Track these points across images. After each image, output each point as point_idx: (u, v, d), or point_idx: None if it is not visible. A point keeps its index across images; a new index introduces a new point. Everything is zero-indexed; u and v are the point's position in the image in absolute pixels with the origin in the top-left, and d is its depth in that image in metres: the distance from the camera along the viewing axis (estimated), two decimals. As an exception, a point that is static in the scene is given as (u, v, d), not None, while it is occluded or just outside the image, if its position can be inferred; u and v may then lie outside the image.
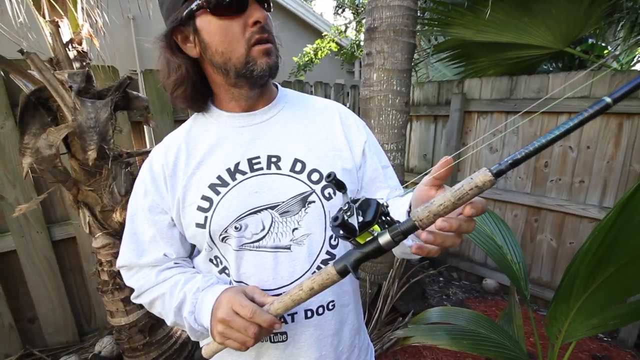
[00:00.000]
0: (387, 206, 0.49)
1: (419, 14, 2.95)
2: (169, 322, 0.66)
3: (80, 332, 1.97)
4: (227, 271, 0.67)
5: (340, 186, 0.50)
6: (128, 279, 0.71)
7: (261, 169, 0.65)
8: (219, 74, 0.63)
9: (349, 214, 0.47)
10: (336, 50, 4.18)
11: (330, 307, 0.68)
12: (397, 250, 0.68)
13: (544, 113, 2.47)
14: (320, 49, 4.01)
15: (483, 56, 2.75)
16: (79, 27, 1.36)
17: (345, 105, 2.77)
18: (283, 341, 0.66)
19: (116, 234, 1.46)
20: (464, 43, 2.67)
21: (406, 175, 3.33)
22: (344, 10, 4.00)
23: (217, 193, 0.63)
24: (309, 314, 0.66)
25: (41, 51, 1.35)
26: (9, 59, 1.25)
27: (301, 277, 0.65)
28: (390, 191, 0.75)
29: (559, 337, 0.92)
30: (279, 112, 0.71)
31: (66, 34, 1.31)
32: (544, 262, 2.52)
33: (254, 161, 0.66)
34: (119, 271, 1.46)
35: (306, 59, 4.07)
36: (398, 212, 0.63)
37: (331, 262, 0.51)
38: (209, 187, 0.64)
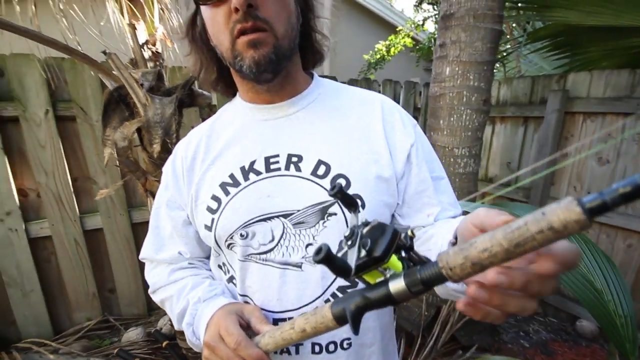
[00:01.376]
0: (412, 237, 0.35)
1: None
2: (176, 327, 0.63)
3: (149, 307, 2.19)
4: (234, 281, 0.60)
5: (349, 203, 0.38)
6: (147, 273, 0.70)
7: (278, 169, 0.57)
8: (227, 64, 0.56)
9: (349, 243, 0.35)
10: (411, 46, 3.90)
11: (345, 345, 0.56)
12: (439, 289, 0.53)
13: (685, 116, 1.89)
14: (394, 46, 3.78)
15: (594, 44, 2.23)
16: (154, 30, 1.47)
17: (417, 106, 2.52)
18: (285, 375, 0.56)
19: (175, 223, 1.55)
20: (568, 29, 2.20)
21: (484, 185, 2.92)
22: (421, 2, 3.71)
23: (227, 193, 0.57)
24: (317, 348, 0.55)
25: (126, 53, 1.50)
26: (98, 61, 1.42)
27: (311, 303, 0.54)
28: (442, 210, 0.59)
29: None
30: (308, 104, 0.61)
31: (142, 36, 1.42)
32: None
33: (271, 160, 0.58)
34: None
35: (378, 56, 3.89)
36: (440, 241, 0.48)
37: (330, 302, 0.40)
38: (220, 186, 0.58)
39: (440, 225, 0.55)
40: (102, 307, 2.05)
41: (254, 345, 0.46)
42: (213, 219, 0.57)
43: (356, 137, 0.59)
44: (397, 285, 0.32)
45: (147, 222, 2.14)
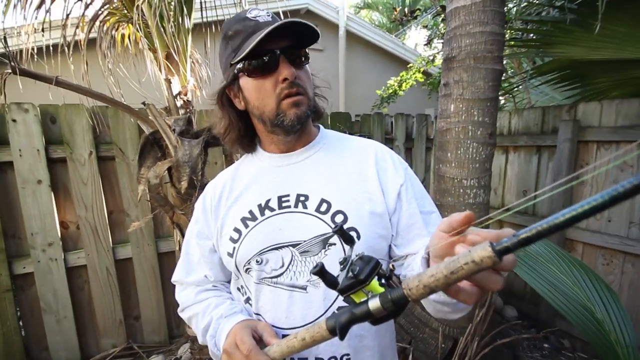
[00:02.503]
0: (391, 269, 0.45)
1: (514, 36, 2.69)
2: (200, 341, 0.72)
3: (170, 335, 2.27)
4: (250, 302, 0.69)
5: (347, 239, 0.48)
6: (177, 294, 0.80)
7: (289, 206, 0.68)
8: (259, 123, 0.70)
9: (341, 267, 0.44)
10: (422, 80, 4.08)
11: (345, 360, 0.63)
12: (429, 308, 0.60)
13: (701, 143, 1.87)
14: (405, 81, 3.97)
15: (601, 76, 2.29)
16: (186, 82, 1.68)
17: (430, 137, 2.69)
18: (291, 388, 0.63)
19: (198, 253, 1.67)
20: (574, 62, 2.28)
21: (501, 214, 2.90)
22: (431, 41, 3.92)
23: (246, 226, 0.68)
24: (320, 363, 0.62)
25: (160, 102, 1.71)
26: (136, 109, 1.63)
27: (315, 321, 0.62)
28: None
29: None
30: (314, 153, 0.73)
31: (176, 88, 1.63)
32: None
33: (283, 199, 0.68)
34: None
35: (390, 91, 4.08)
36: (417, 259, 0.56)
37: (326, 317, 0.48)
38: (241, 220, 0.69)
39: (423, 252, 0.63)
40: (126, 334, 2.14)
41: (263, 353, 0.55)
42: (234, 248, 0.68)
43: (353, 179, 0.69)
44: (374, 303, 0.41)
45: (173, 252, 2.29)
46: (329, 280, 0.43)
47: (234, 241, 0.68)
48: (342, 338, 0.43)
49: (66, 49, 1.61)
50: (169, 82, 1.59)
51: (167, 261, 2.24)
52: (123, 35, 1.81)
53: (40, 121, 1.85)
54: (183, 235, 1.68)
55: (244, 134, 0.75)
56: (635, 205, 2.12)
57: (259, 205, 0.69)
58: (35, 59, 1.59)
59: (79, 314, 2.04)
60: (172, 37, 1.52)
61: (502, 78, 1.94)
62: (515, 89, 3.22)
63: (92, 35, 1.67)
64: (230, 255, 0.69)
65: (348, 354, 0.63)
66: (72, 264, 1.99)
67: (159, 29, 1.51)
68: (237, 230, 0.69)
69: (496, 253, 0.31)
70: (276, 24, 0.58)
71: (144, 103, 1.55)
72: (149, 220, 2.06)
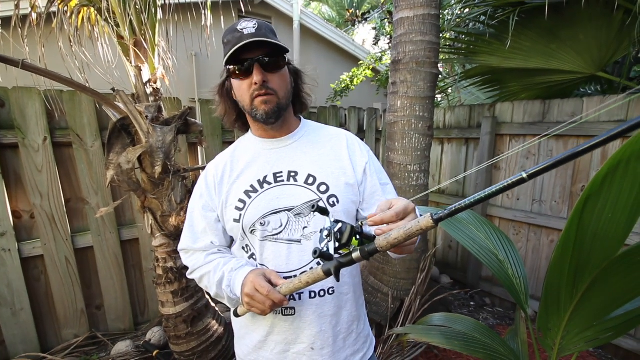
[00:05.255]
0: (361, 225, 0.65)
1: (447, 44, 3.11)
2: (212, 293, 0.87)
3: (135, 322, 2.29)
4: (254, 257, 0.87)
5: (322, 212, 0.67)
6: (185, 260, 0.94)
7: (282, 180, 0.86)
8: (246, 112, 0.87)
9: (328, 239, 0.64)
10: (371, 76, 4.43)
11: (330, 292, 0.85)
12: (392, 254, 0.84)
13: (580, 137, 2.44)
14: (356, 77, 4.28)
15: (513, 81, 2.80)
16: (155, 70, 1.73)
17: (379, 129, 3.03)
18: (291, 315, 0.83)
19: (171, 235, 1.75)
20: (492, 69, 2.75)
21: (437, 196, 3.37)
22: (378, 41, 4.28)
23: (250, 197, 0.85)
24: (312, 294, 0.83)
25: (126, 88, 1.73)
26: (102, 93, 1.64)
27: (308, 264, 0.82)
28: None
29: (554, 349, 0.97)
30: (299, 138, 0.92)
31: (146, 75, 1.67)
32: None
33: (277, 175, 0.87)
34: (171, 267, 1.75)
35: (343, 85, 4.36)
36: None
37: (321, 265, 0.68)
38: (244, 192, 0.85)
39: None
40: (89, 324, 2.12)
41: (278, 292, 0.73)
42: (240, 215, 0.84)
43: (331, 158, 0.90)
44: (356, 254, 0.62)
45: (136, 239, 2.33)
46: (327, 256, 0.62)
47: (240, 209, 0.85)
48: (337, 280, 0.65)
49: (19, 29, 1.55)
50: (139, 69, 1.63)
51: (130, 249, 2.24)
52: (84, 19, 1.76)
53: (-14, 105, 1.74)
54: (155, 219, 1.75)
55: (238, 118, 0.93)
56: (536, 185, 2.67)
57: (259, 181, 0.86)
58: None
59: (37, 306, 1.97)
60: (141, 25, 1.56)
61: (438, 79, 2.29)
62: (449, 88, 3.69)
63: (49, 14, 1.61)
64: (237, 220, 0.85)
65: (332, 287, 0.85)
66: (27, 254, 1.91)
67: (128, 17, 1.54)
68: (241, 200, 0.85)
69: (435, 221, 0.53)
70: (243, 42, 0.74)
71: (113, 89, 1.58)
72: (109, 208, 2.05)
